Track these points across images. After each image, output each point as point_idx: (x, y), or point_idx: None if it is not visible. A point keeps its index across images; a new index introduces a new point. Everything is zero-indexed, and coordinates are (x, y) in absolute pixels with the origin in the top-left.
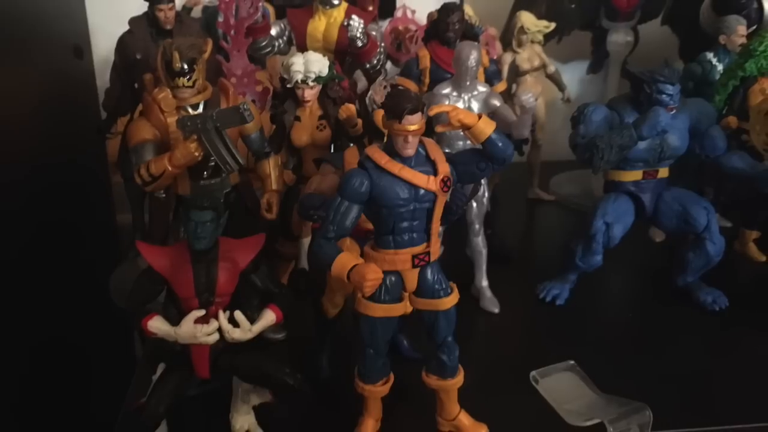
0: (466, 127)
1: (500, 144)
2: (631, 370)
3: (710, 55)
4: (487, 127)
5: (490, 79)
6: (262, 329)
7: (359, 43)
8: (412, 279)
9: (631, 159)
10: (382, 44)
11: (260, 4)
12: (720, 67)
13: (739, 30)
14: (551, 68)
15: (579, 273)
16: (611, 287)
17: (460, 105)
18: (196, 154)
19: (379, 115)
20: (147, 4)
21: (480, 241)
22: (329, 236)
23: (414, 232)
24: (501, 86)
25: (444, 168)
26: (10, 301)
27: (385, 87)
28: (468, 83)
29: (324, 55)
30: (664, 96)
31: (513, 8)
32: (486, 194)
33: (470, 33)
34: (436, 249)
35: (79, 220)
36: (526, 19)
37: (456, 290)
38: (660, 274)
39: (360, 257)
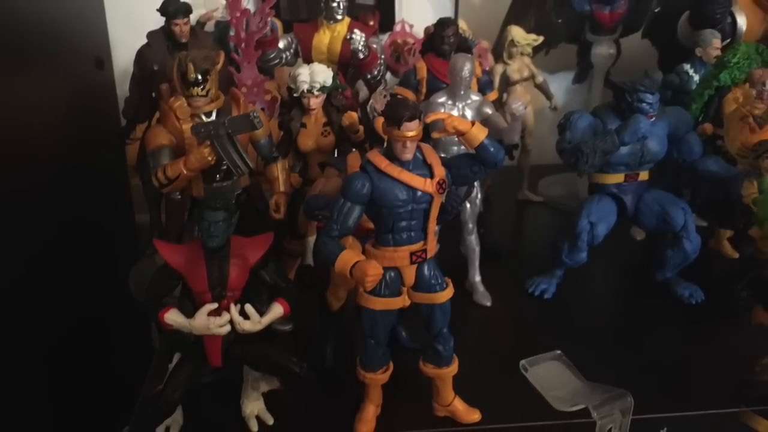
0: (460, 134)
1: (492, 149)
2: (614, 359)
3: (687, 67)
4: (480, 133)
5: (483, 88)
6: (270, 321)
7: (361, 56)
8: (410, 274)
9: (614, 163)
10: (382, 56)
11: (269, 19)
12: (696, 78)
13: (713, 43)
14: (539, 78)
15: (565, 269)
16: (595, 282)
17: (455, 113)
18: (209, 158)
19: (380, 122)
20: (164, 18)
21: (473, 239)
22: (333, 235)
23: (412, 231)
24: (493, 95)
25: (440, 171)
26: (38, 294)
27: (384, 96)
28: (462, 92)
29: (328, 67)
30: (644, 104)
31: (504, 23)
32: (479, 195)
33: (464, 46)
34: (432, 247)
35: (100, 220)
36: (516, 33)
37: (451, 285)
38: (641, 270)
39: (361, 254)
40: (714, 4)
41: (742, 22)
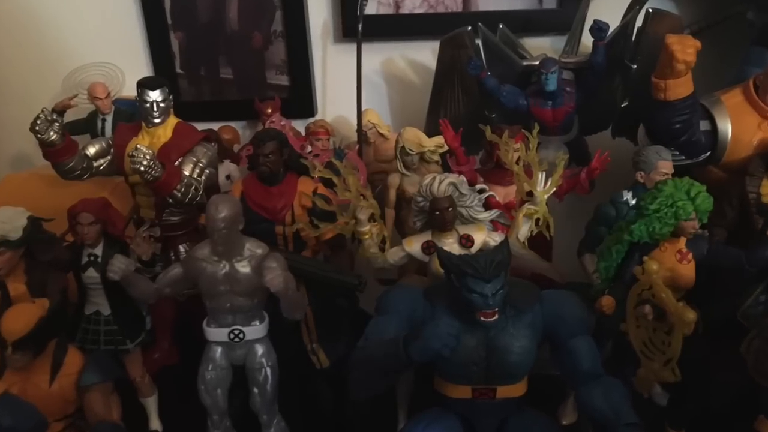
0: None
1: None
2: None
3: (627, 195)
4: None
5: None
6: None
7: (149, 177)
8: None
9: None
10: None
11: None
12: None
13: (660, 166)
14: None
15: None
16: None
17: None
18: None
19: None
20: None
21: None
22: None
23: None
24: None
25: None
26: None
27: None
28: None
29: None
30: (474, 296)
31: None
32: None
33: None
34: None
35: None
36: (409, 136)
37: None
38: None
39: None
40: (668, 110)
41: (725, 129)
